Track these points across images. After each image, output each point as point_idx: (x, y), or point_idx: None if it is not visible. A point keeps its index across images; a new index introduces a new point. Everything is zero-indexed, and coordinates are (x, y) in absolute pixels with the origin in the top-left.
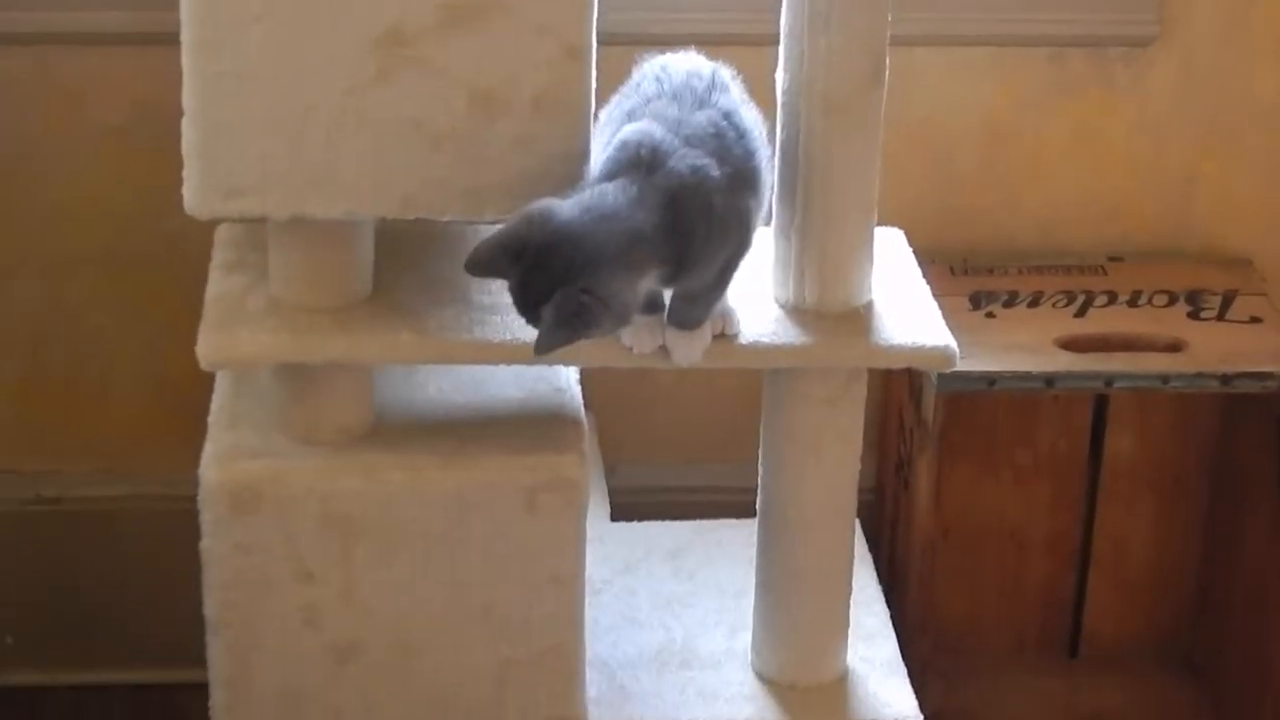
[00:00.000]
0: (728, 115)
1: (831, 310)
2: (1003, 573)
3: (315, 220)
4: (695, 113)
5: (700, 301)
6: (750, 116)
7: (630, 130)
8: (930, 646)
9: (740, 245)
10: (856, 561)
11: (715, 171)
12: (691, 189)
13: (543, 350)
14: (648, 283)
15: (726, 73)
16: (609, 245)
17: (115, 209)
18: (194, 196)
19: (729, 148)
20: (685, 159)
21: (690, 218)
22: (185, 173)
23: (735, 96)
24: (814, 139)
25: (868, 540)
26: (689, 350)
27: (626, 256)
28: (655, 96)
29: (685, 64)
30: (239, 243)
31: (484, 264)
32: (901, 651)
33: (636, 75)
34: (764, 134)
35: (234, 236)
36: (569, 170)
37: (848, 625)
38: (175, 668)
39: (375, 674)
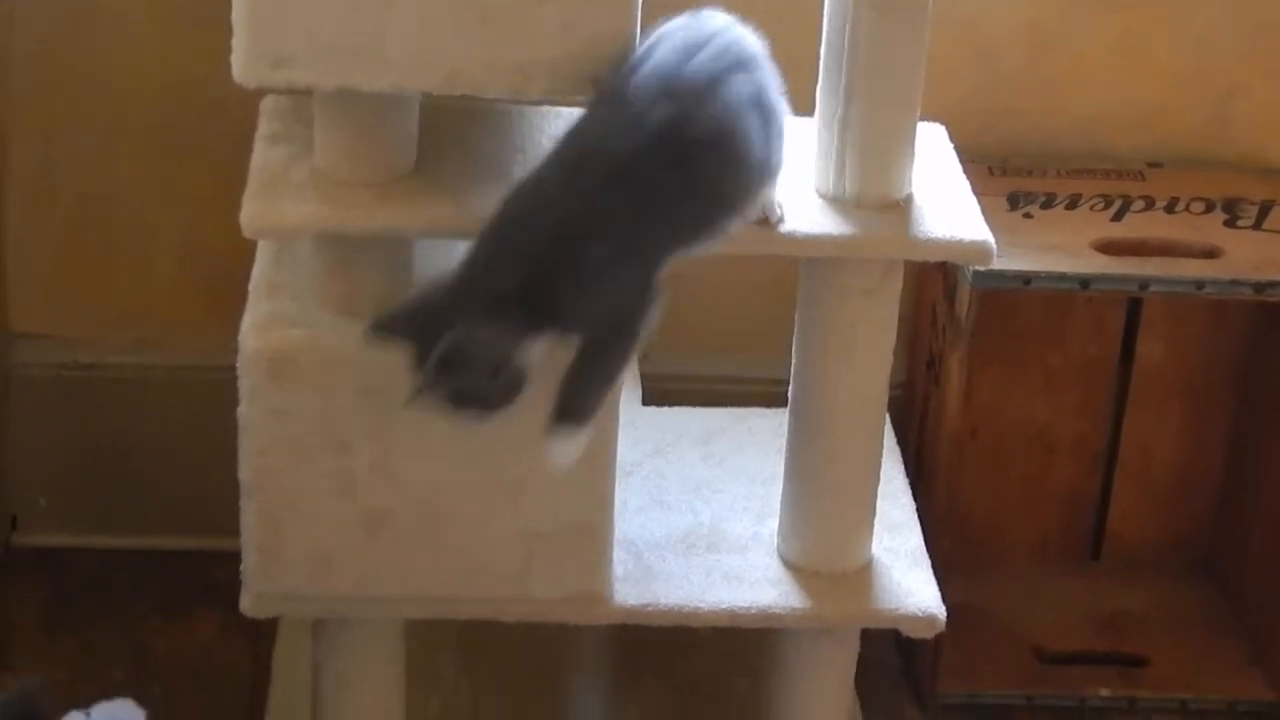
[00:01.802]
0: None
1: (871, 202)
2: (1028, 473)
3: (361, 93)
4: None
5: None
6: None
7: None
8: (953, 543)
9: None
10: (884, 454)
11: None
12: None
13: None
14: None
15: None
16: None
17: (162, 77)
18: (241, 65)
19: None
20: None
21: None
22: (233, 40)
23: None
24: (861, 31)
25: (896, 436)
26: (565, 450)
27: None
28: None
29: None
30: (285, 114)
31: (386, 326)
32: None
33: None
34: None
35: (280, 107)
36: (615, 50)
37: (874, 515)
38: (205, 536)
39: (405, 542)
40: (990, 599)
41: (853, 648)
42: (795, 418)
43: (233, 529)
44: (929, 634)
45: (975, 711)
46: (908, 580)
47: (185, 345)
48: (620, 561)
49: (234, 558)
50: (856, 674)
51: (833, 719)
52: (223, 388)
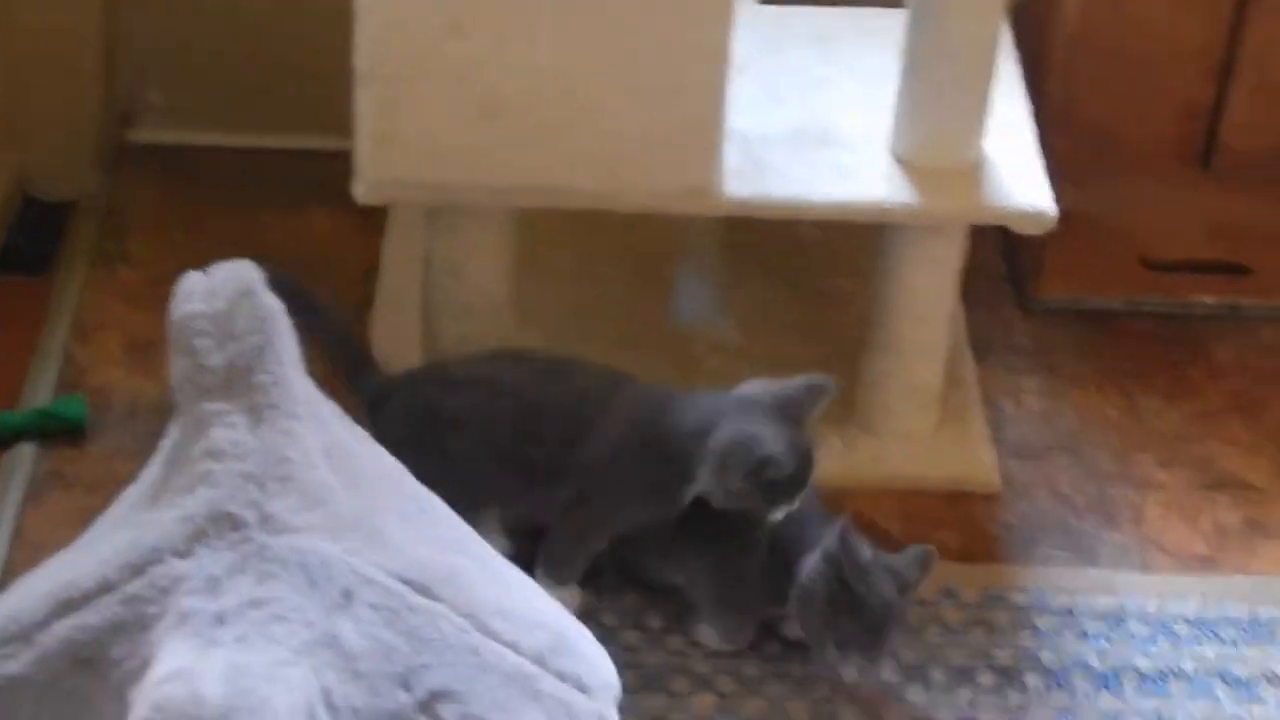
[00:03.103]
0: None
1: None
2: (1144, 79)
3: None
4: None
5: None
6: None
7: None
8: (1064, 147)
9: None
10: (1000, 53)
11: None
12: None
13: None
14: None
15: None
16: None
17: None
18: None
19: None
20: None
21: None
22: None
23: None
24: None
25: (1013, 36)
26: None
27: None
28: None
29: None
30: None
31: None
32: None
33: None
34: None
35: None
36: None
37: (988, 112)
38: (318, 135)
39: (519, 130)
40: (1098, 205)
41: (960, 246)
42: (914, 10)
43: (347, 128)
44: (1038, 231)
45: (1078, 316)
46: (1019, 178)
47: None
48: (731, 155)
49: (348, 157)
50: (960, 277)
51: (937, 317)
52: None
